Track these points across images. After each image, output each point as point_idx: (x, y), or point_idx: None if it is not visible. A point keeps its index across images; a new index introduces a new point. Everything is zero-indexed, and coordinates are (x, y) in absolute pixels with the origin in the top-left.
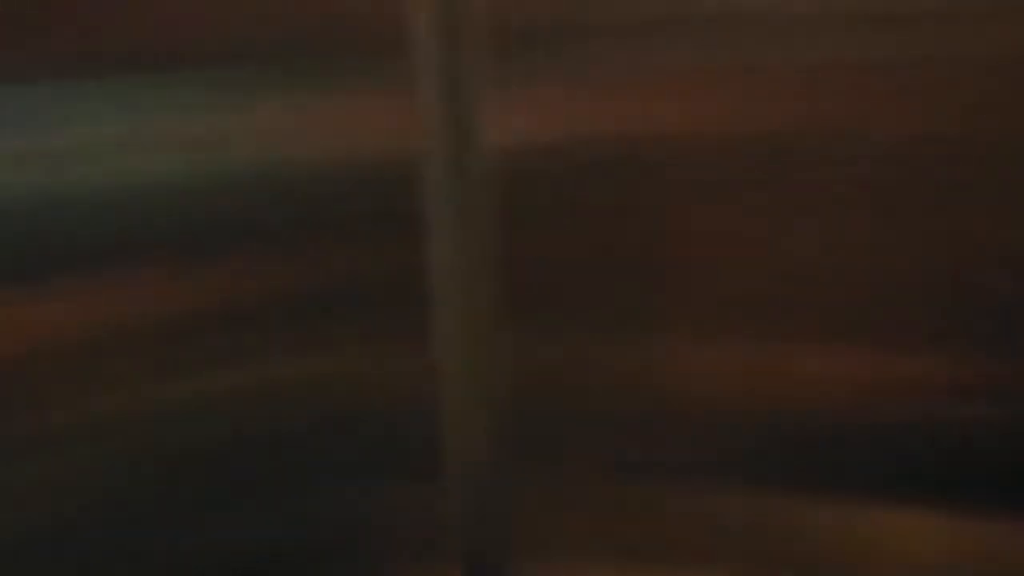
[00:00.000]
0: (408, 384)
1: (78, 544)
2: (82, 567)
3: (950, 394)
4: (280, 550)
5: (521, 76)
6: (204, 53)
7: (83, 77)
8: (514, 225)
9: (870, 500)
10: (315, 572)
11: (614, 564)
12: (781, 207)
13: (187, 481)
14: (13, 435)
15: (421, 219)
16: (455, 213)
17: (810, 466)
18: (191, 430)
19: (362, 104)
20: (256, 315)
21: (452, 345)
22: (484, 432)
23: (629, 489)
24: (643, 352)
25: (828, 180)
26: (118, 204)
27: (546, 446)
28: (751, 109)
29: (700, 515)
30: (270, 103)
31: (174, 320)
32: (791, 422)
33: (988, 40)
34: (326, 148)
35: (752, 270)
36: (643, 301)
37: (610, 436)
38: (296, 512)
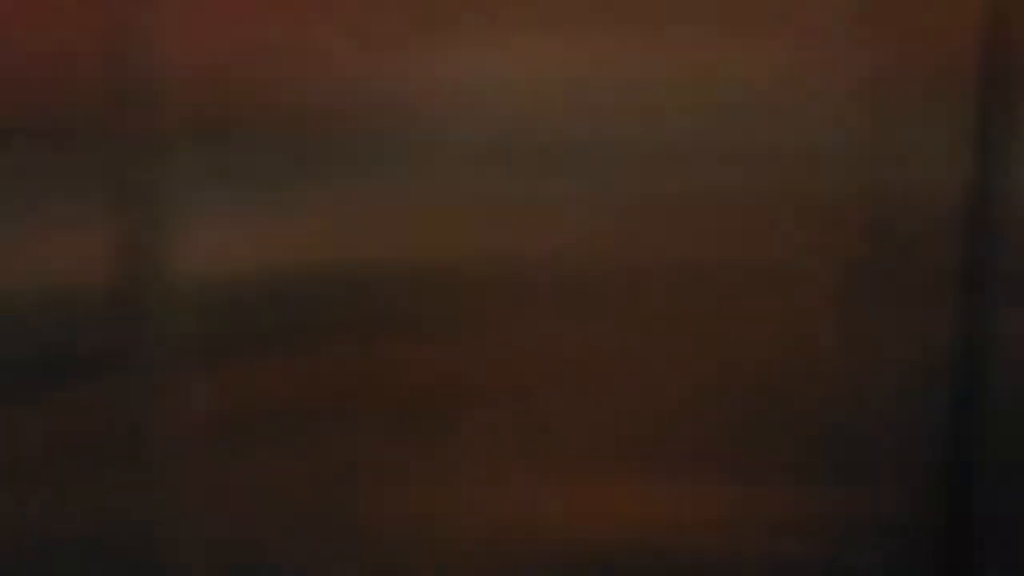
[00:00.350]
0: (127, 522)
1: None
2: None
3: (766, 529)
4: None
5: (220, 205)
6: None
7: None
8: (216, 357)
9: None
10: None
11: None
12: (500, 340)
13: None
14: None
15: (122, 352)
16: (154, 345)
17: None
18: None
19: (55, 234)
20: None
21: (164, 480)
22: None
23: None
24: (354, 491)
25: (559, 307)
26: None
27: None
28: (462, 239)
29: None
30: None
31: None
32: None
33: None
34: (20, 279)
35: (490, 405)
36: (345, 437)
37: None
38: None
